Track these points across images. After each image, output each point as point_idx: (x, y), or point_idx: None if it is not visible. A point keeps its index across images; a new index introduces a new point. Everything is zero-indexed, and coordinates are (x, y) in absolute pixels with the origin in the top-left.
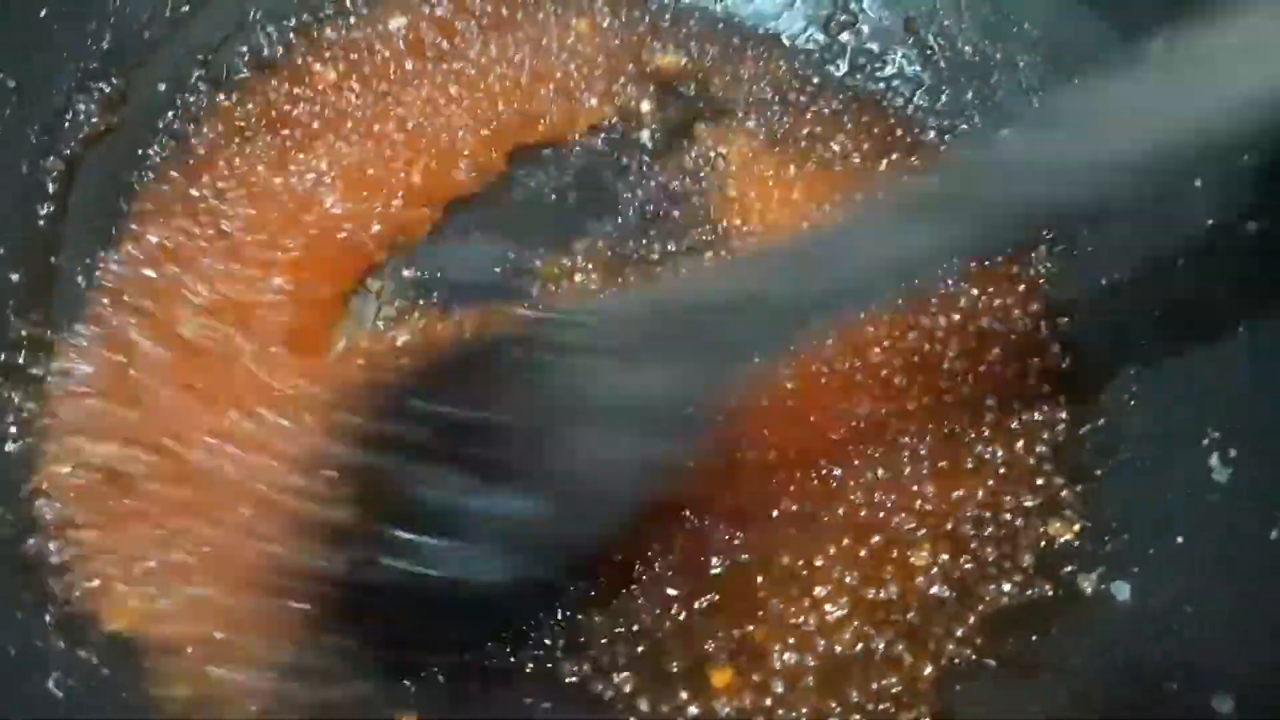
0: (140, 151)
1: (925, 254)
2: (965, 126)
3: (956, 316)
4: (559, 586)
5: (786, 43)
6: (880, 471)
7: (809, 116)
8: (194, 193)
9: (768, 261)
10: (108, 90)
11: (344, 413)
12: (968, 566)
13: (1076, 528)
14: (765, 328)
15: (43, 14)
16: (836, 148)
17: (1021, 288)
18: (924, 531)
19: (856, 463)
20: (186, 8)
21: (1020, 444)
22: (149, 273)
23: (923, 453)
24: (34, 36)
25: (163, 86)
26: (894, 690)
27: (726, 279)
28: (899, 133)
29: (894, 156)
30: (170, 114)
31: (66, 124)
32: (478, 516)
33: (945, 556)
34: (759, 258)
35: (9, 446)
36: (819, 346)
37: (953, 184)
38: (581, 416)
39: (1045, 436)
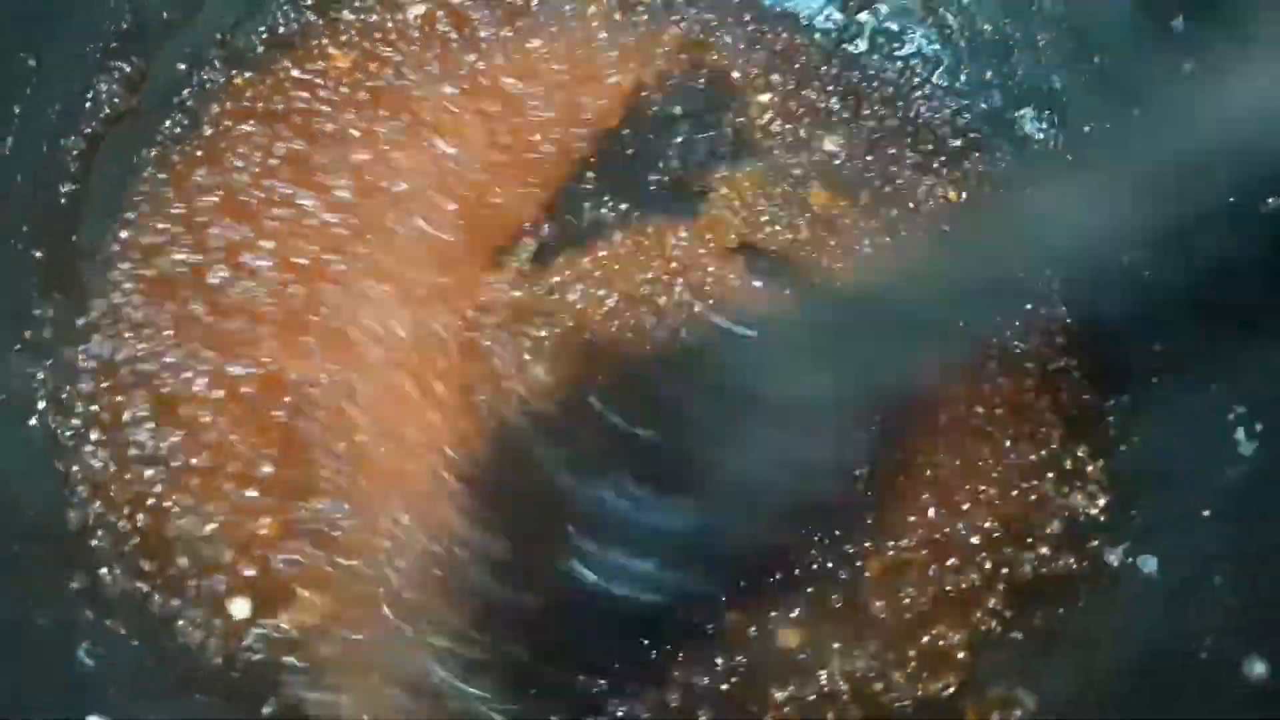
0: (160, 130)
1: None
2: (984, 106)
3: None
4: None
5: (804, 21)
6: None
7: (828, 93)
8: (207, 172)
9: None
10: (128, 70)
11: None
12: (995, 538)
13: (1102, 501)
14: (932, 310)
15: None
16: (855, 128)
17: None
18: (952, 502)
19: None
20: None
21: (1044, 418)
22: (169, 248)
23: (944, 421)
24: (54, 15)
25: (182, 66)
26: (922, 657)
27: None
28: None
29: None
30: (188, 92)
31: (87, 103)
32: (649, 529)
33: (974, 526)
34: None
35: (34, 422)
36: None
37: None
38: (752, 421)
39: (1069, 411)
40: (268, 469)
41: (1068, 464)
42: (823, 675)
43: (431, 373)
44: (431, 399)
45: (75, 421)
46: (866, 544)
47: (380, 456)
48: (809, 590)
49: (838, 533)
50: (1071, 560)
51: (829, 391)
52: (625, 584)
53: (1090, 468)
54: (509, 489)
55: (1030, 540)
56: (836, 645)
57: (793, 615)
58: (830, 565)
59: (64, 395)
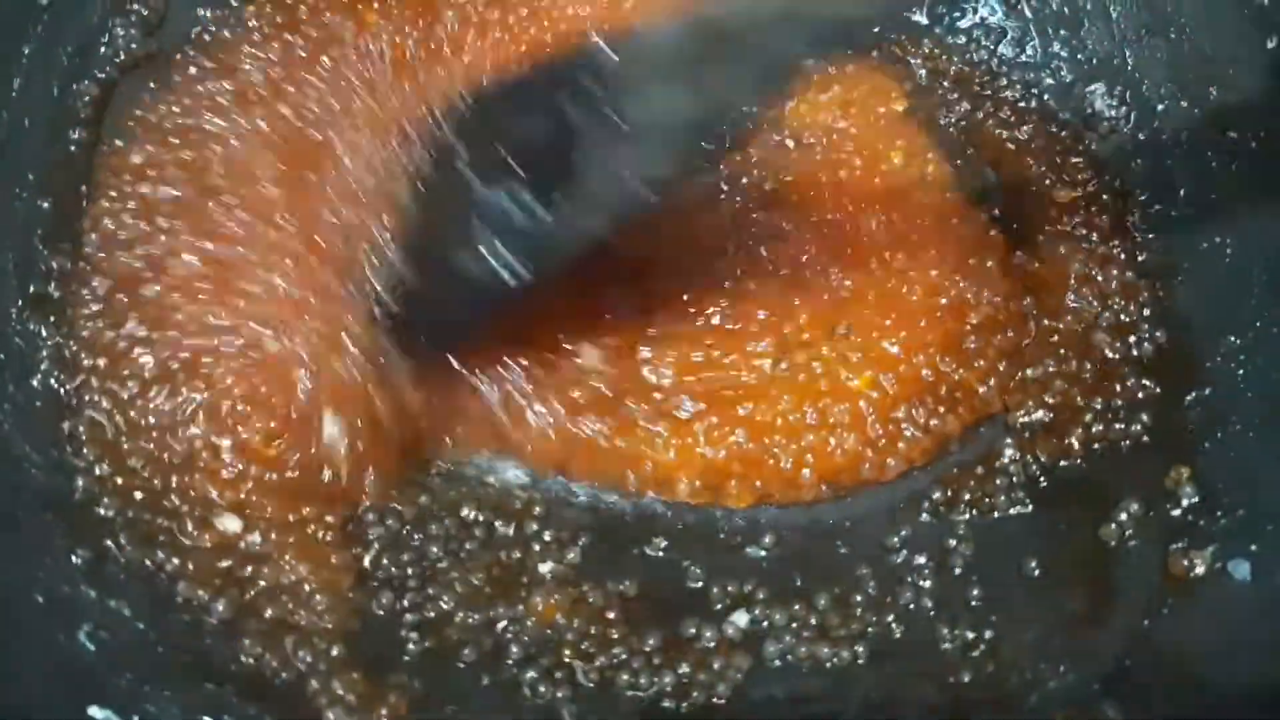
0: (176, 76)
1: None
2: (1051, 81)
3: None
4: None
5: None
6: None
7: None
8: (220, 110)
9: None
10: (145, 13)
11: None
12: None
13: (1185, 504)
14: (790, 42)
15: None
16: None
17: (1120, 255)
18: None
19: None
20: None
21: (1121, 417)
22: (175, 193)
23: (1021, 421)
24: None
25: (201, 10)
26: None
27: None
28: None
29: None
30: (206, 36)
31: (101, 46)
32: (524, 229)
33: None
34: None
35: (37, 382)
36: None
37: None
38: (607, 134)
39: (1147, 410)
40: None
41: (1146, 465)
42: None
43: None
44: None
45: (80, 379)
46: None
47: None
48: None
49: None
50: (1155, 565)
51: (684, 112)
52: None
53: (1172, 470)
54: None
55: (1112, 546)
56: None
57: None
58: None
59: (68, 353)
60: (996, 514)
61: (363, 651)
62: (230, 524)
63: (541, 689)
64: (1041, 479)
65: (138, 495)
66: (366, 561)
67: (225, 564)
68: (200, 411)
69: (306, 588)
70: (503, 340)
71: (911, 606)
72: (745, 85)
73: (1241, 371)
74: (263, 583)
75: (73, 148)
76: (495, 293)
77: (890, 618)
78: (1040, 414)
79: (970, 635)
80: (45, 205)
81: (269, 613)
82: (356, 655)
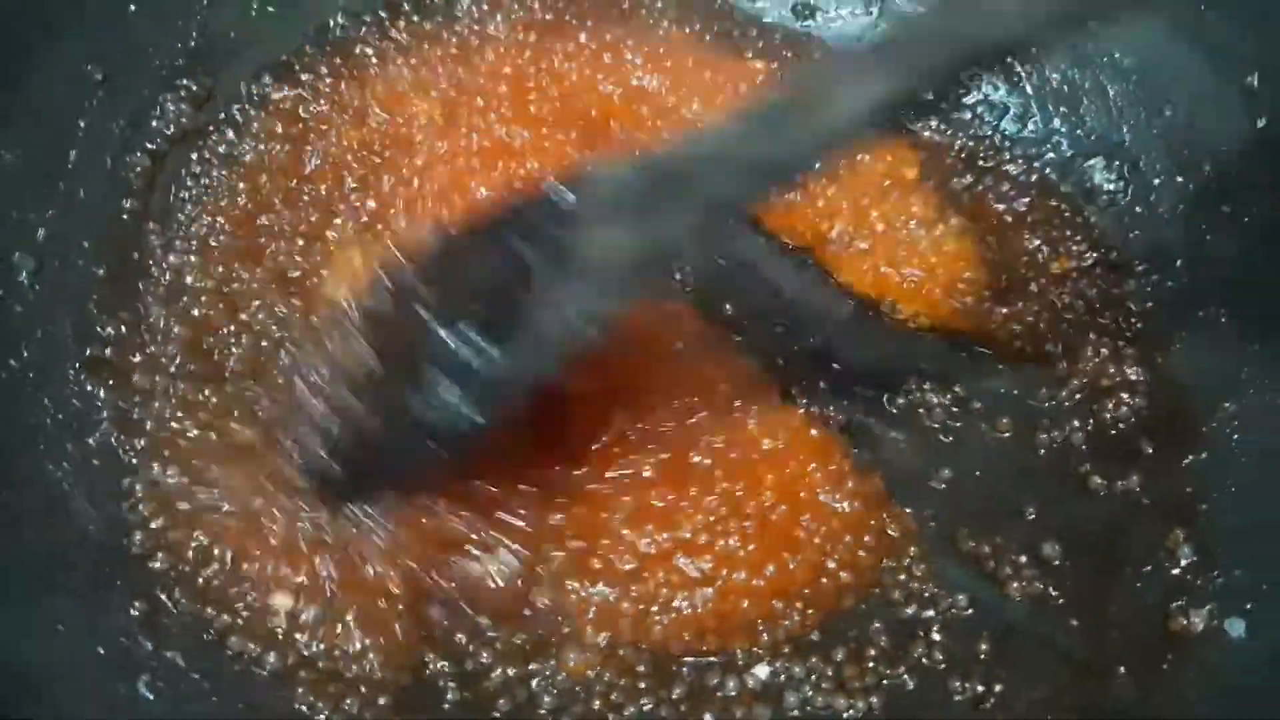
0: (223, 148)
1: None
2: (1052, 155)
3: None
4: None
5: None
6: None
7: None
8: (268, 189)
9: (739, 124)
10: (194, 89)
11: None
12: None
13: (1183, 564)
14: (734, 183)
15: (132, 9)
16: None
17: (1118, 324)
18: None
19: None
20: (272, 8)
21: (1120, 481)
22: (231, 265)
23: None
24: (123, 31)
25: (246, 86)
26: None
27: (694, 143)
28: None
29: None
30: (252, 112)
31: (153, 120)
32: (471, 369)
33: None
34: (729, 123)
35: (94, 440)
36: None
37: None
38: (559, 274)
39: (1145, 474)
40: None
41: (1145, 525)
42: None
43: None
44: None
45: (137, 442)
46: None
47: None
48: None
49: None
50: (1153, 623)
51: (631, 254)
52: (438, 412)
53: (1170, 530)
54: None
55: (1109, 608)
56: None
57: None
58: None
59: (128, 413)
60: None
61: (408, 701)
62: (282, 601)
63: None
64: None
65: (189, 554)
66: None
67: (278, 627)
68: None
69: (362, 646)
70: (455, 480)
71: (923, 660)
72: (695, 222)
73: (1236, 436)
74: (320, 646)
75: (125, 216)
76: (445, 434)
77: (902, 670)
78: None
79: (980, 688)
80: (100, 272)
81: (322, 665)
82: (402, 704)
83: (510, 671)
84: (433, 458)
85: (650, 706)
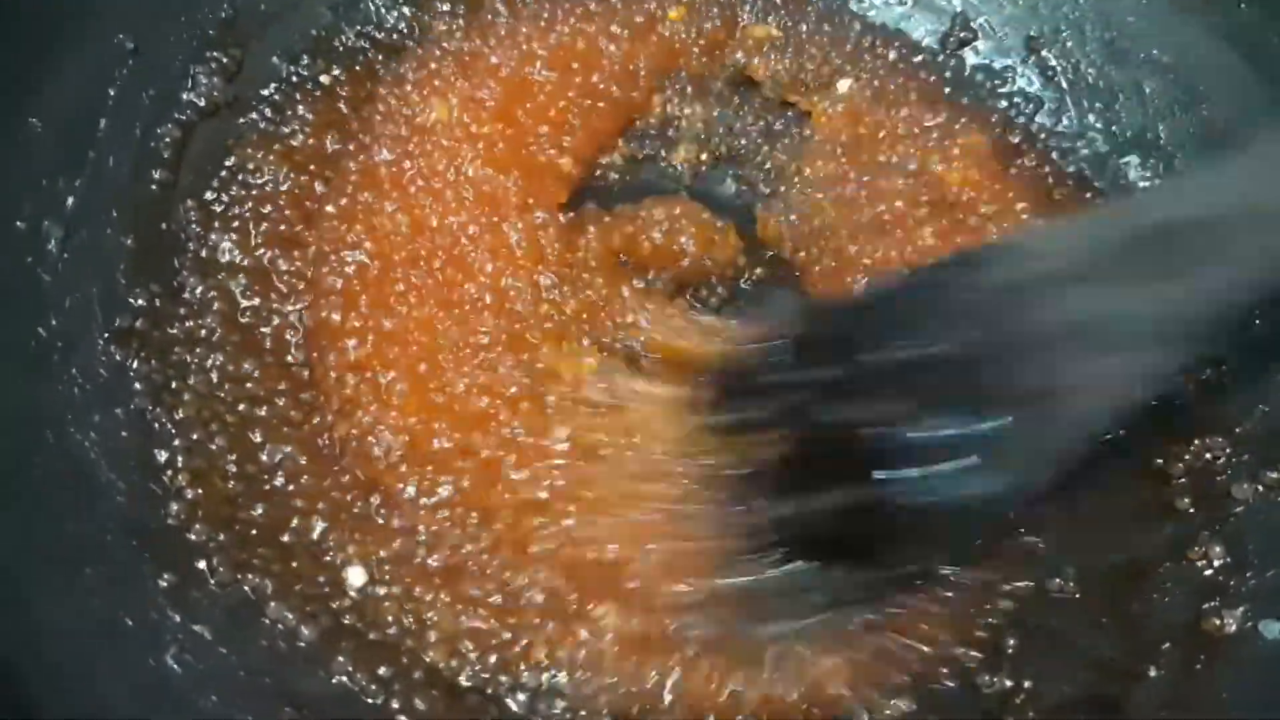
0: (252, 122)
1: None
2: (1086, 151)
3: None
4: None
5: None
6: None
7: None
8: (301, 165)
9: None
10: (225, 61)
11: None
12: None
13: (1216, 565)
14: (1255, 247)
15: None
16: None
17: None
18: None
19: None
20: None
21: (1152, 476)
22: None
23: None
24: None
25: (277, 60)
26: None
27: (1207, 193)
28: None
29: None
30: (282, 86)
31: (183, 91)
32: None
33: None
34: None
35: (122, 411)
36: None
37: None
38: (1052, 338)
39: (1179, 467)
40: None
41: (1176, 524)
42: None
43: None
44: None
45: (178, 413)
46: None
47: None
48: None
49: None
50: (1185, 624)
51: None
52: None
53: (1203, 529)
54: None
55: (1140, 610)
56: None
57: None
58: None
59: (165, 384)
60: None
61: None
62: (356, 576)
63: None
64: None
65: (237, 526)
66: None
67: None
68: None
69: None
70: None
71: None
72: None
73: (1272, 437)
74: (365, 620)
75: (154, 187)
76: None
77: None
78: None
79: (1009, 684)
80: (129, 242)
81: (367, 637)
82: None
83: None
84: None
85: None
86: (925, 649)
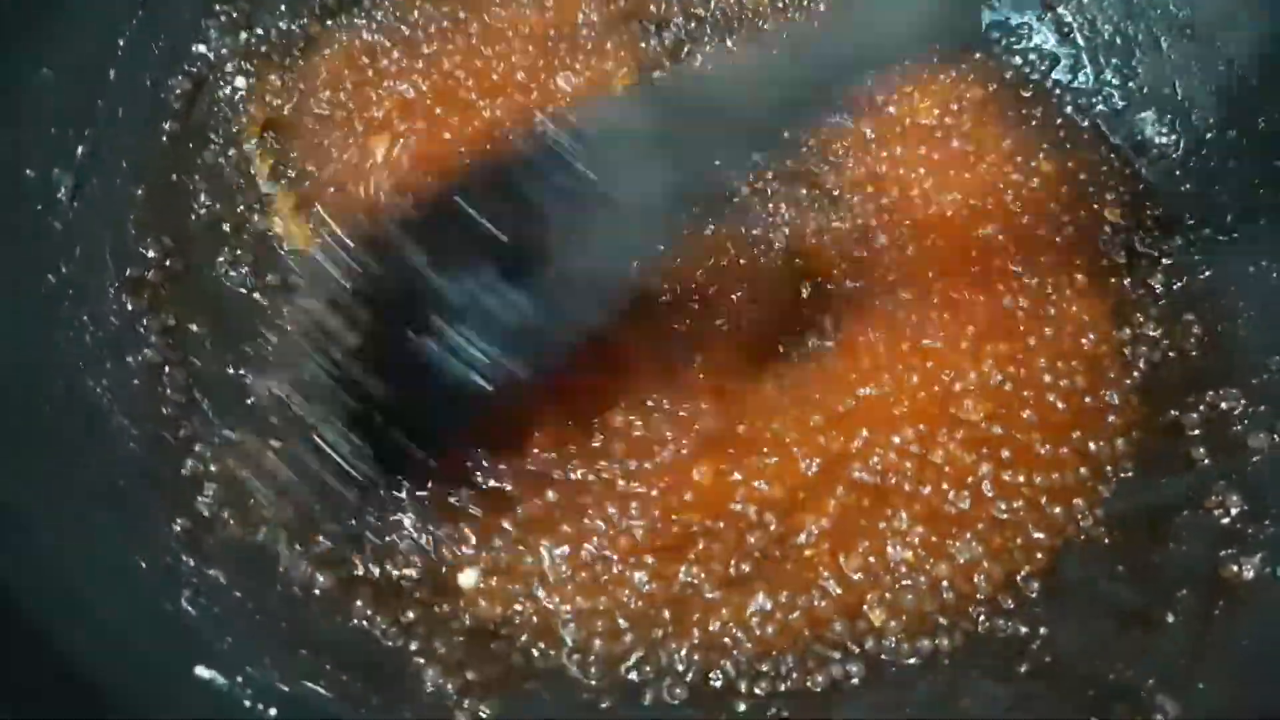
0: (261, 74)
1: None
2: (1103, 107)
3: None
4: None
5: None
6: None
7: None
8: (313, 113)
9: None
10: (234, 15)
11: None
12: (1109, 550)
13: (1233, 513)
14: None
15: None
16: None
17: (1167, 277)
18: (1073, 523)
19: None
20: None
21: (1168, 428)
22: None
23: (1064, 454)
24: None
25: (285, 10)
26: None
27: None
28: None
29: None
30: (292, 38)
31: (193, 44)
32: (500, 318)
33: (1100, 541)
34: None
35: (133, 361)
36: None
37: None
38: (591, 218)
39: (1193, 419)
40: None
41: (1194, 471)
42: None
43: None
44: None
45: (196, 361)
46: None
47: None
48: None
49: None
50: (1203, 572)
51: (659, 188)
52: (470, 367)
53: (1219, 477)
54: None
55: (1160, 557)
56: None
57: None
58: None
59: (171, 332)
60: None
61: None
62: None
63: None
64: None
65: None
66: None
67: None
68: None
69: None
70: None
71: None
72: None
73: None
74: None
75: (165, 139)
76: (476, 395)
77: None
78: None
79: (1024, 630)
80: (139, 192)
81: (390, 579)
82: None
83: None
84: (465, 420)
85: None
86: (945, 595)
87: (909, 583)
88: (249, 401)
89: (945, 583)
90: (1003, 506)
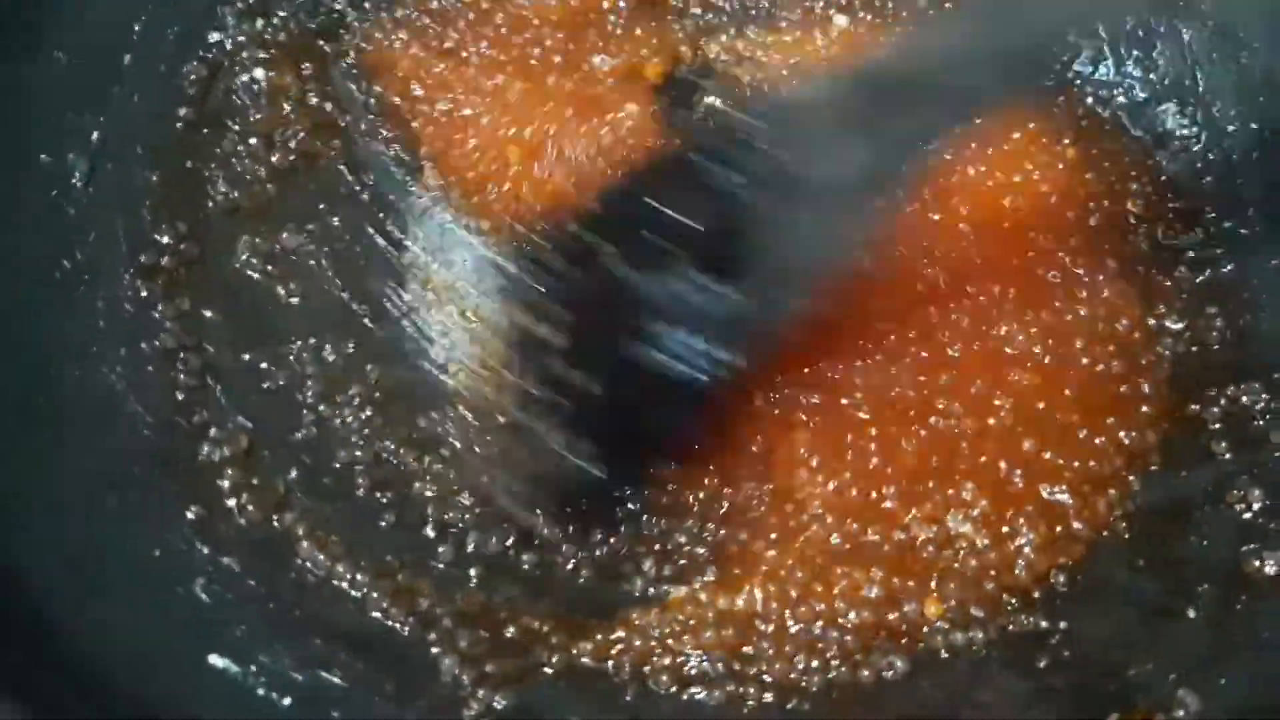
0: (281, 59)
1: None
2: (1123, 99)
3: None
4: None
5: None
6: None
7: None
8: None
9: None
10: (250, 1)
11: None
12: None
13: (1255, 508)
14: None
15: None
16: None
17: (1188, 270)
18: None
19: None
20: None
21: (1189, 421)
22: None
23: (1100, 443)
24: None
25: None
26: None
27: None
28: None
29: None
30: (311, 24)
31: (208, 30)
32: (708, 311)
33: (1121, 535)
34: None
35: (147, 347)
36: None
37: None
38: (789, 203)
39: (1214, 413)
40: None
41: (1215, 465)
42: None
43: None
44: None
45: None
46: None
47: None
48: None
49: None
50: (1225, 567)
51: (859, 168)
52: (686, 363)
53: (1241, 471)
54: (575, 287)
55: (1179, 550)
56: None
57: None
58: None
59: (199, 320)
60: None
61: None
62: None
63: None
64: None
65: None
66: None
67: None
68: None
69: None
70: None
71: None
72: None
73: None
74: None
75: (179, 125)
76: (691, 390)
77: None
78: None
79: (1045, 624)
80: (154, 178)
81: (400, 578)
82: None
83: None
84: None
85: None
86: (964, 588)
87: (958, 565)
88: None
89: (993, 571)
90: (1049, 491)
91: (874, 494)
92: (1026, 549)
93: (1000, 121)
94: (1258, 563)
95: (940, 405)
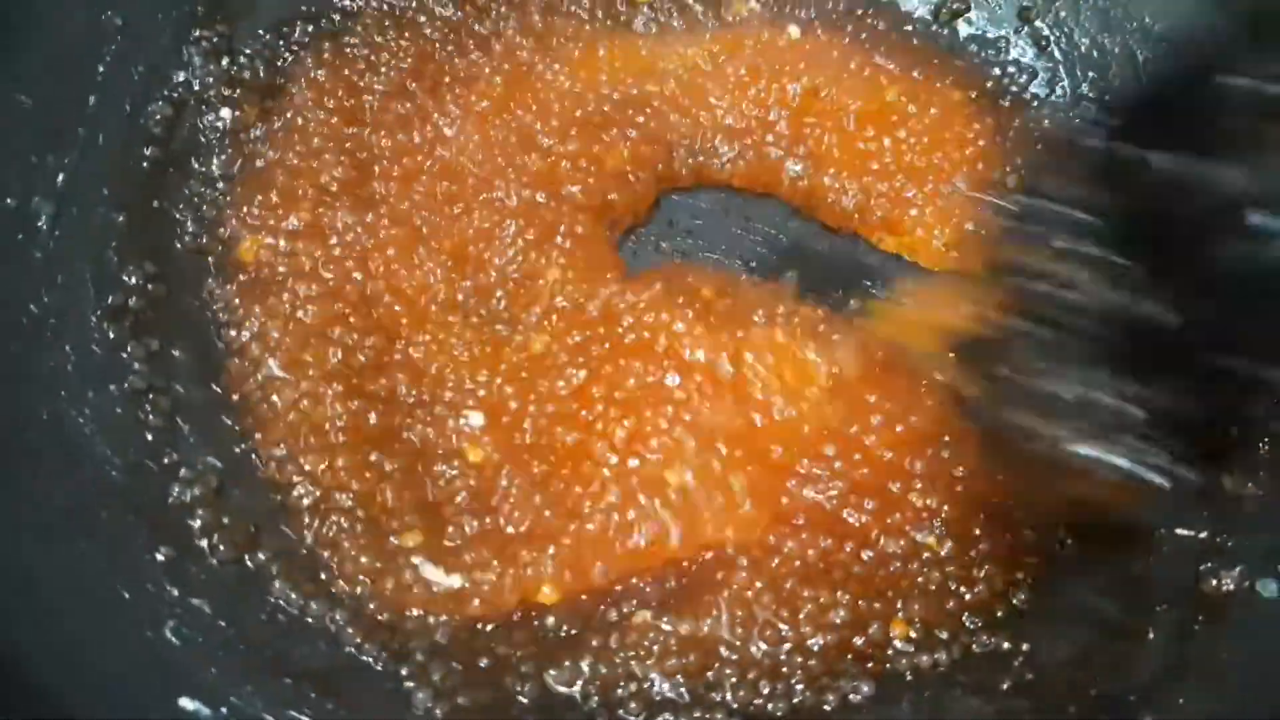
0: (243, 99)
1: None
2: (1079, 121)
3: None
4: None
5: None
6: None
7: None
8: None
9: None
10: (215, 39)
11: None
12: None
13: (1214, 526)
14: None
15: None
16: None
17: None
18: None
19: None
20: None
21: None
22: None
23: None
24: None
25: (266, 35)
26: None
27: None
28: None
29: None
30: (273, 63)
31: (173, 70)
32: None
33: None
34: None
35: (115, 389)
36: None
37: None
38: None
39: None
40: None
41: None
42: None
43: None
44: None
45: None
46: None
47: None
48: None
49: None
50: (1184, 585)
51: None
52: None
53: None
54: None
55: (1135, 569)
56: None
57: None
58: None
59: (154, 361)
60: None
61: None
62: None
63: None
64: None
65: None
66: None
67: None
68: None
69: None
70: None
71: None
72: None
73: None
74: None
75: (145, 165)
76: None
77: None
78: None
79: (1007, 646)
80: (120, 219)
81: (381, 618)
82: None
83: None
84: None
85: None
86: (928, 607)
87: (922, 580)
88: None
89: (954, 586)
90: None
91: None
92: (986, 564)
93: None
94: (1215, 582)
95: None
